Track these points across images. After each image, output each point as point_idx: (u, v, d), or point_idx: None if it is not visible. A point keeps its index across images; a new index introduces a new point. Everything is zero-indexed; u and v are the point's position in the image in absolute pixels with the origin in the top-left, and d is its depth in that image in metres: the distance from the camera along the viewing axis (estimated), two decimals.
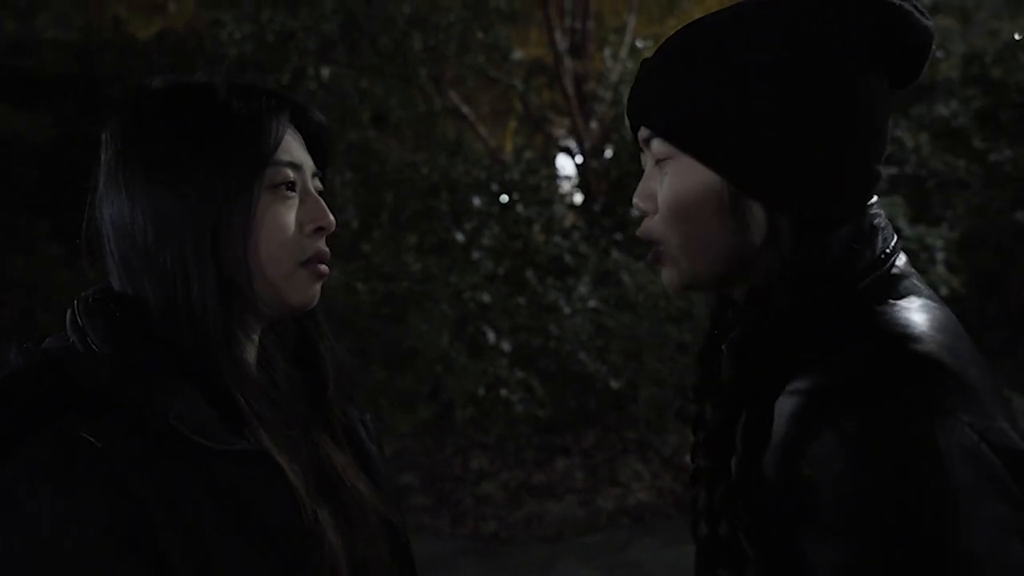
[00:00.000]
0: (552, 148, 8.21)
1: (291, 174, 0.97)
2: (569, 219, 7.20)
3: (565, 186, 7.97)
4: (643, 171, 0.98)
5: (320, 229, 0.99)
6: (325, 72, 6.78)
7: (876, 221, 0.91)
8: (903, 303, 0.86)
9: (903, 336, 0.82)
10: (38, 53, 8.16)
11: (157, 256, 0.92)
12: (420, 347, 5.86)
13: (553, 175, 7.71)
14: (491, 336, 5.84)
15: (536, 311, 6.14)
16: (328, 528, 0.94)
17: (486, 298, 6.01)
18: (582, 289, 6.23)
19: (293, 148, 0.98)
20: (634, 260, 6.51)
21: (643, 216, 0.98)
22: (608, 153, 7.32)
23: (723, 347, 0.91)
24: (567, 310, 6.07)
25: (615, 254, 6.54)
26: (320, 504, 0.95)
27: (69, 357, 0.89)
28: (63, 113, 7.67)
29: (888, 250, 0.91)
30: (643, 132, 0.95)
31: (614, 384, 5.88)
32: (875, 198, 0.93)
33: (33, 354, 0.90)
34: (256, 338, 1.02)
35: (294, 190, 0.98)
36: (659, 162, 0.94)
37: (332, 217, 1.00)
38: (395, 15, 6.74)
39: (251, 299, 0.95)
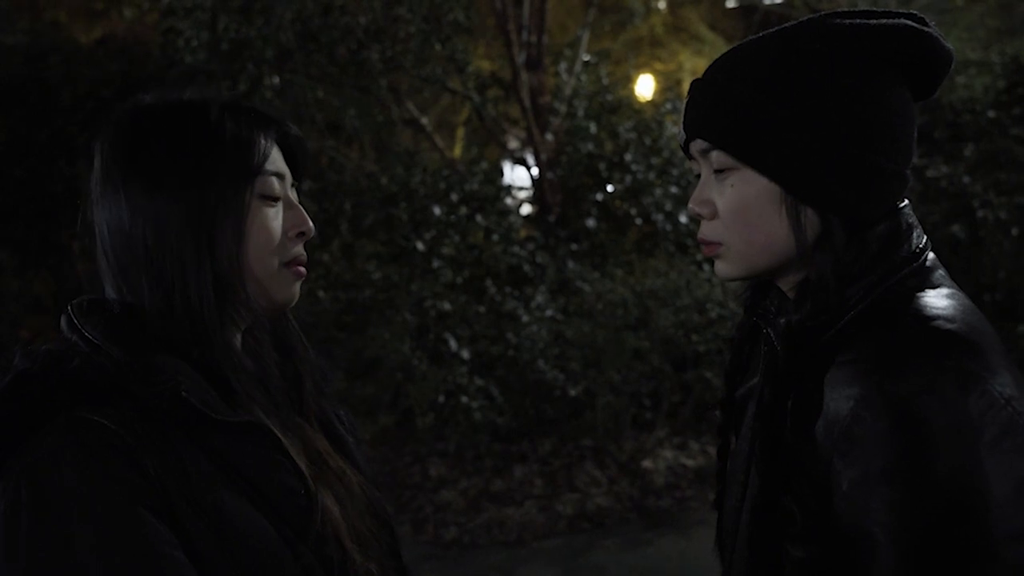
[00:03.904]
0: (505, 158, 8.31)
1: (277, 184, 1.06)
2: (523, 231, 7.30)
3: (519, 196, 8.05)
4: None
5: (301, 234, 1.09)
6: (276, 80, 6.77)
7: (910, 221, 1.04)
8: (935, 292, 0.98)
9: (938, 316, 0.93)
10: None
11: (157, 259, 0.99)
12: (382, 355, 5.88)
13: (507, 186, 7.80)
14: (452, 344, 5.89)
15: (495, 319, 6.20)
16: (326, 496, 1.01)
17: (447, 306, 6.06)
18: (539, 298, 6.32)
19: (278, 160, 1.07)
20: (591, 270, 6.62)
21: (697, 220, 1.09)
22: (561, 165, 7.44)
23: (771, 332, 1.02)
24: (525, 319, 6.15)
25: (572, 264, 6.65)
26: (315, 477, 1.02)
27: (74, 353, 0.94)
28: (9, 119, 7.49)
29: (921, 245, 1.03)
30: (699, 144, 1.05)
31: (572, 391, 5.96)
32: (906, 201, 1.05)
33: (36, 355, 0.95)
34: (243, 331, 1.09)
35: (279, 198, 1.07)
36: (719, 172, 1.04)
37: (312, 224, 1.10)
38: (353, 26, 6.77)
39: (242, 296, 1.03)
